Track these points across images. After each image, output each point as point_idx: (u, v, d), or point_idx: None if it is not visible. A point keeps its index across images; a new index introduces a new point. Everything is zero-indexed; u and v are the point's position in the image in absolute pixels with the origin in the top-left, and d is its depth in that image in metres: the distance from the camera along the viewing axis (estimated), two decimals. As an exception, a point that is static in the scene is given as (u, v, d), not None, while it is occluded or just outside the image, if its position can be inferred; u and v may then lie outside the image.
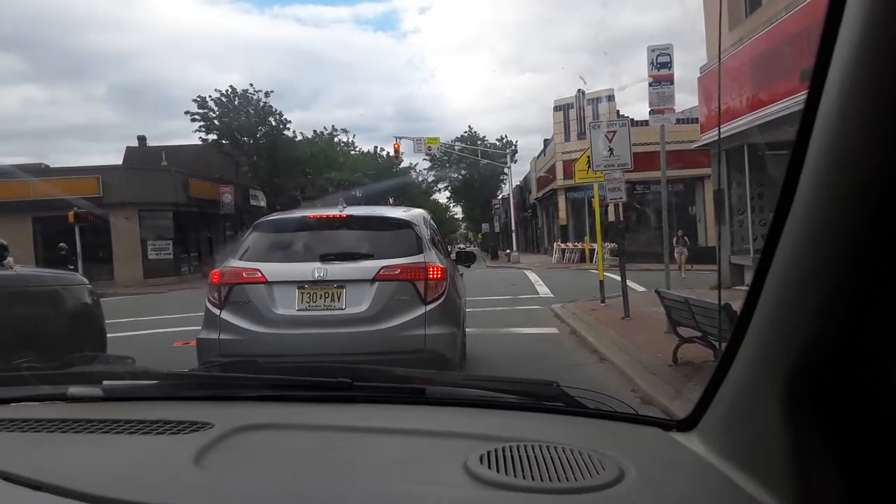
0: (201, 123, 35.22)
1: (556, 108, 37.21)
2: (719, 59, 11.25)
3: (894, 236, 0.70)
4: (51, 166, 33.68)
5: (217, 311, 5.29)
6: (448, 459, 1.11)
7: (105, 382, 1.60)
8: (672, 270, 12.58)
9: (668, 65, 10.40)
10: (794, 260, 0.83)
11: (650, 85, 10.44)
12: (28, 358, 5.11)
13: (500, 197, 55.84)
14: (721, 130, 13.59)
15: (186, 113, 35.06)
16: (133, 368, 1.79)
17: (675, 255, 19.80)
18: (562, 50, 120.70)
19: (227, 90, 35.70)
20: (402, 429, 1.31)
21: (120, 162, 36.76)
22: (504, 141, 55.17)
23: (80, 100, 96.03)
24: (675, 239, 20.11)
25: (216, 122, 35.35)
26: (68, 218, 24.45)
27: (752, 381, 1.00)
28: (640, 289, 14.51)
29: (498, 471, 1.04)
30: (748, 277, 13.84)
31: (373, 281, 5.21)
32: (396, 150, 43.07)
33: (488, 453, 1.10)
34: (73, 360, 1.86)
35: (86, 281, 7.92)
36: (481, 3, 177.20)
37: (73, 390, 1.54)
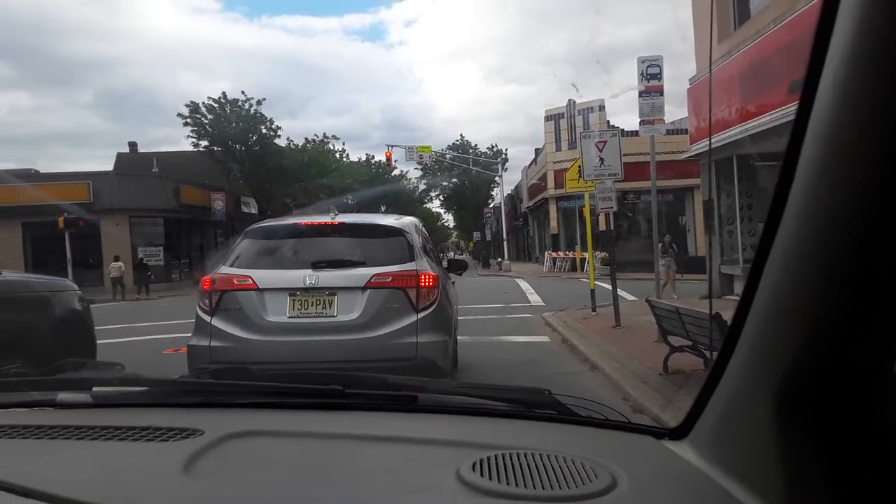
0: (193, 129, 35.12)
1: (547, 118, 37.34)
2: (710, 70, 11.34)
3: (885, 249, 0.71)
4: (41, 172, 33.48)
5: (208, 318, 5.26)
6: (440, 467, 1.10)
7: (94, 389, 1.59)
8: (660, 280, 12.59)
9: (657, 76, 10.48)
10: (785, 271, 0.83)
11: (640, 95, 10.51)
12: (16, 364, 5.06)
13: (491, 205, 55.91)
14: (710, 141, 13.69)
15: (179, 115, 34.99)
16: (123, 374, 1.78)
17: (662, 266, 14.58)
18: (546, 62, 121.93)
19: (219, 97, 35.70)
20: (394, 436, 1.31)
21: (110, 168, 36.57)
22: (494, 150, 55.34)
23: (68, 106, 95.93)
24: (660, 246, 14.81)
25: (208, 128, 35.25)
26: (58, 223, 24.36)
27: (744, 391, 1.00)
28: (631, 298, 14.54)
29: (490, 479, 1.04)
30: (738, 287, 13.90)
31: (364, 288, 5.20)
32: (388, 159, 43.13)
33: (481, 461, 1.10)
34: (62, 366, 1.85)
35: (75, 287, 7.86)
36: (465, 17, 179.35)
37: (62, 396, 1.52)
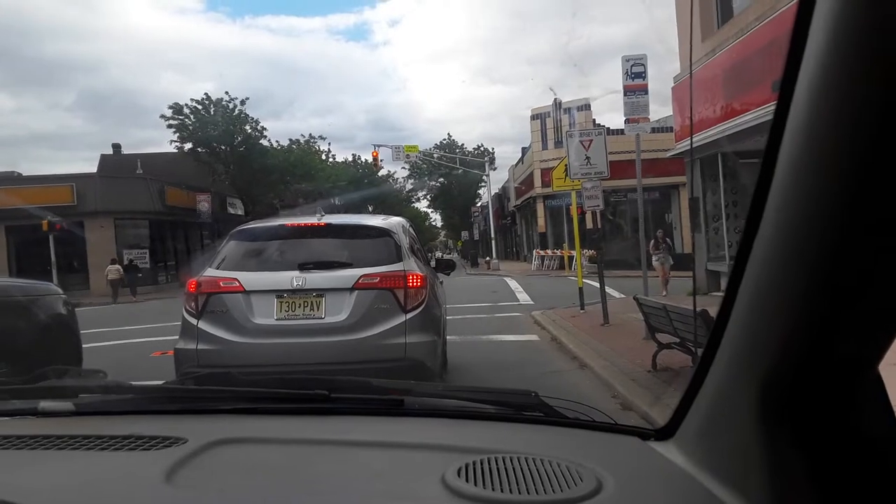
0: (177, 132, 34.86)
1: (534, 117, 37.45)
2: (690, 70, 11.41)
3: (863, 245, 0.71)
4: (23, 175, 33.11)
5: (194, 321, 5.22)
6: (426, 473, 1.10)
7: (78, 396, 1.57)
8: (651, 277, 12.61)
9: (642, 75, 10.53)
10: (766, 268, 0.84)
11: (625, 94, 10.56)
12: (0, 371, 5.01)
13: (479, 205, 55.95)
14: (695, 139, 13.78)
15: (162, 117, 34.74)
16: (105, 382, 1.75)
17: (655, 262, 15.49)
18: (531, 62, 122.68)
19: (202, 98, 35.45)
20: (379, 441, 1.30)
21: (94, 170, 36.22)
22: (481, 149, 55.35)
23: (49, 108, 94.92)
24: (652, 243, 15.55)
25: (192, 129, 35.00)
26: (42, 227, 24.13)
27: (728, 389, 1.00)
28: (619, 295, 14.60)
29: (476, 484, 1.04)
30: (724, 284, 13.97)
31: (352, 289, 5.18)
32: (375, 158, 43.05)
33: (466, 466, 1.10)
34: (45, 374, 1.83)
35: (60, 291, 7.78)
36: (450, 17, 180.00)
37: (44, 405, 1.50)
